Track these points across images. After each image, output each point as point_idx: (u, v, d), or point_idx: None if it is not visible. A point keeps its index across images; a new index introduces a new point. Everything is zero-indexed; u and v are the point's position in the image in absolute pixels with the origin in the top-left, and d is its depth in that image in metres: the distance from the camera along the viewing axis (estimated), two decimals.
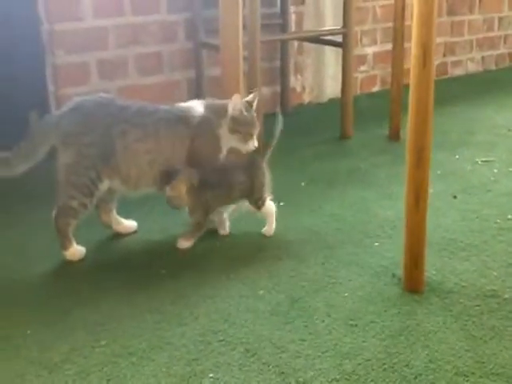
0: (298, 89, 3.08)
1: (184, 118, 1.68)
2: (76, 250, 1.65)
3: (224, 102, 1.73)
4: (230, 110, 1.69)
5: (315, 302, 1.46)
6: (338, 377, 1.21)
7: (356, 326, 1.36)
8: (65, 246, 1.64)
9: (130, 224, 1.81)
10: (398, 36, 2.49)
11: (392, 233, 1.77)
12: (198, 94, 2.60)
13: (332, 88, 3.15)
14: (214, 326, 1.37)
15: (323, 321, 1.38)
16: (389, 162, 2.32)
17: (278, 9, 2.86)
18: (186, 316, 1.41)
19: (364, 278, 1.55)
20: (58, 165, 1.63)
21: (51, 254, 1.67)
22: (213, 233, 1.78)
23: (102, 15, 2.45)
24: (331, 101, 3.12)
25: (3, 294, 1.52)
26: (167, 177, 1.64)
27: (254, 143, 1.73)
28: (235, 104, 1.69)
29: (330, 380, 1.20)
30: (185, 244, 1.70)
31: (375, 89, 3.34)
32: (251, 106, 1.74)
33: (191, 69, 2.70)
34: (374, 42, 3.27)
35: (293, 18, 2.94)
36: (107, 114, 1.62)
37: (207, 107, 1.72)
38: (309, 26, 3.01)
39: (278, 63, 2.92)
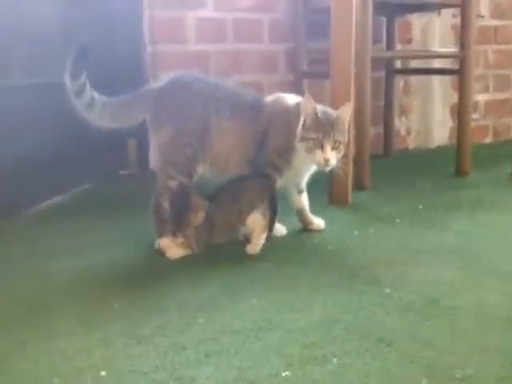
0: (403, 132, 2.86)
1: (266, 107, 1.52)
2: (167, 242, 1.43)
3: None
4: (302, 111, 1.43)
5: (458, 302, 1.16)
6: (507, 375, 0.90)
7: None
8: (159, 232, 1.45)
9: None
10: None
11: None
12: None
13: (440, 134, 2.92)
14: (333, 315, 1.10)
15: (472, 318, 1.08)
16: None
17: (383, 45, 2.72)
18: (298, 304, 1.15)
19: None
20: (154, 146, 1.49)
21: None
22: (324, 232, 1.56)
23: (205, 40, 2.39)
24: (440, 148, 2.86)
25: (103, 275, 1.33)
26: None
27: (326, 156, 1.40)
28: (306, 104, 1.42)
29: (498, 378, 0.89)
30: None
31: (487, 140, 3.07)
32: (340, 119, 1.45)
33: None
34: (486, 90, 3.04)
35: None
36: (204, 89, 1.50)
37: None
38: (415, 64, 2.83)
39: (381, 103, 2.74)
